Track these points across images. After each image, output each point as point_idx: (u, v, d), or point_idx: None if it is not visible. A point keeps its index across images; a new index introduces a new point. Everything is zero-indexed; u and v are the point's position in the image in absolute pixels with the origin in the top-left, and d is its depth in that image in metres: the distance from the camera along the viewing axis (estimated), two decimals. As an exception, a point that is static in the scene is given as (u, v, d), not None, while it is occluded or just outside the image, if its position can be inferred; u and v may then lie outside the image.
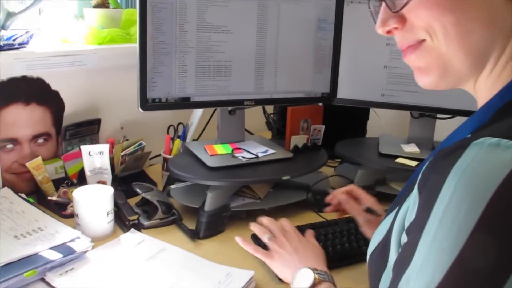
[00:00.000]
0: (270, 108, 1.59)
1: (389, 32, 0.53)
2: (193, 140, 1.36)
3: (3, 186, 1.12)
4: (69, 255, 0.88)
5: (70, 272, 0.87)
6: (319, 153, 1.25)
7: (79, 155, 1.15)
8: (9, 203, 1.06)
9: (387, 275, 0.53)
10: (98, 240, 0.98)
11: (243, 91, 1.14)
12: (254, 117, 1.53)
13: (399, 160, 1.19)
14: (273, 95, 1.18)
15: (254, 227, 0.91)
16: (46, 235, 0.93)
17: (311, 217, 1.13)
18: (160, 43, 1.01)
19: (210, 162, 1.11)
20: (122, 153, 1.24)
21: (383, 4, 0.52)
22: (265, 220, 0.92)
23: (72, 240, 0.92)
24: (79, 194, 1.01)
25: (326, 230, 1.01)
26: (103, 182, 1.14)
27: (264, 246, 0.88)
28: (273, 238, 0.87)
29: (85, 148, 1.13)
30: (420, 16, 0.49)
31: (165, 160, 1.30)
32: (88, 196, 1.01)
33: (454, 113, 1.22)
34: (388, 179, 1.25)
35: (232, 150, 1.16)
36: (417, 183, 0.47)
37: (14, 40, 1.08)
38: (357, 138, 1.47)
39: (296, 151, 1.22)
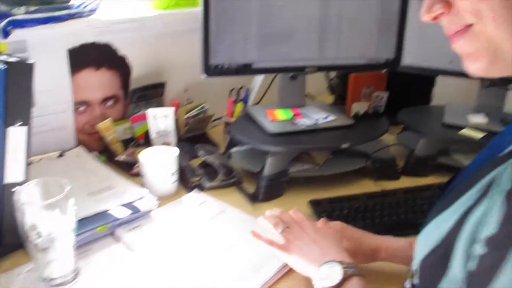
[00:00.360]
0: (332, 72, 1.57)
1: (435, 18, 0.50)
2: (255, 104, 1.38)
3: (77, 145, 1.20)
4: (136, 213, 0.94)
5: (137, 228, 0.93)
6: (380, 120, 1.23)
7: (145, 117, 1.21)
8: (83, 161, 1.14)
9: (449, 283, 0.50)
10: (162, 199, 1.03)
11: (305, 57, 1.14)
12: (316, 81, 1.52)
13: (464, 131, 1.14)
14: (335, 62, 1.17)
15: (264, 220, 0.83)
16: (116, 194, 1.00)
17: (369, 186, 1.13)
18: (223, 10, 1.02)
19: (271, 127, 1.12)
20: (185, 116, 1.28)
21: None
22: (276, 211, 0.84)
23: (138, 199, 0.98)
24: (144, 156, 1.06)
25: (382, 200, 1.01)
26: (168, 144, 1.19)
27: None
28: (287, 229, 0.78)
29: (150, 111, 1.18)
30: (466, 1, 0.47)
31: (227, 123, 1.33)
32: (153, 157, 1.06)
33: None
34: (452, 150, 1.21)
35: (293, 116, 1.17)
36: (506, 191, 0.44)
37: (84, 7, 1.12)
38: (421, 105, 1.42)
39: (356, 118, 1.21)
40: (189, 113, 1.29)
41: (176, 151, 1.08)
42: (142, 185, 1.06)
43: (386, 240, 0.81)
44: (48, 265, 0.76)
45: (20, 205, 0.72)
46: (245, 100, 1.33)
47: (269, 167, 1.07)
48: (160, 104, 1.33)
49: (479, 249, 0.46)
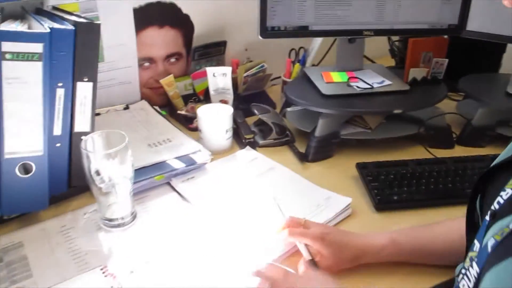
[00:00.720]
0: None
1: None
2: (313, 65, 1.39)
3: (141, 99, 1.28)
4: (190, 165, 1.01)
5: (191, 180, 1.00)
6: (439, 87, 1.20)
7: (205, 74, 1.26)
8: (146, 114, 1.22)
9: None
10: (216, 154, 1.09)
11: (362, 21, 1.13)
12: (378, 43, 1.50)
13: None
14: (394, 26, 1.14)
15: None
16: (173, 146, 1.07)
17: (420, 153, 1.13)
18: (281, -28, 1.03)
19: (325, 89, 1.14)
20: (244, 74, 1.32)
21: None
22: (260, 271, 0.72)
23: (194, 152, 1.04)
24: (202, 112, 1.12)
25: (431, 167, 1.01)
26: (225, 101, 1.24)
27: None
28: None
29: (210, 70, 1.23)
30: None
31: (285, 82, 1.36)
32: (210, 114, 1.11)
33: None
34: (513, 120, 1.17)
35: (348, 79, 1.18)
36: None
37: (150, -33, 1.17)
38: (487, 73, 1.37)
39: (414, 83, 1.19)
40: (248, 72, 1.32)
41: (230, 109, 1.12)
42: (199, 139, 1.12)
43: (369, 242, 0.77)
44: (109, 207, 0.85)
45: (86, 152, 0.80)
46: (302, 61, 1.34)
47: (320, 128, 1.09)
48: (221, 62, 1.38)
49: None
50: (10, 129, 0.77)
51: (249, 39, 1.40)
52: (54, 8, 1.01)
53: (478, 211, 0.63)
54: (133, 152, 0.84)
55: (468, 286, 0.55)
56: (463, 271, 0.58)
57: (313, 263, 0.75)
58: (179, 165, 1.00)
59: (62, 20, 0.85)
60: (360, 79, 1.18)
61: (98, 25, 0.84)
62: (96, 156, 0.80)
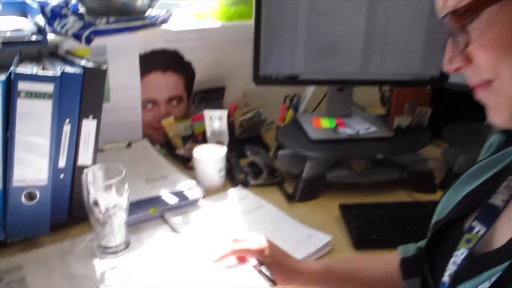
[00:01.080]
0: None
1: (456, 70, 0.52)
2: (306, 111, 1.48)
3: (143, 138, 1.37)
4: (183, 201, 1.08)
5: (184, 214, 1.06)
6: (422, 135, 1.28)
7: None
8: (146, 152, 1.30)
9: None
10: (210, 191, 1.16)
11: (349, 71, 1.22)
12: (371, 93, 1.59)
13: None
14: (379, 77, 1.24)
15: None
16: (169, 182, 1.14)
17: (403, 197, 1.18)
18: (273, 27, 1.13)
19: (313, 134, 1.22)
20: (241, 118, 1.41)
21: (450, 41, 0.51)
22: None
23: (188, 189, 1.12)
24: (198, 152, 1.20)
25: (411, 210, 1.07)
26: (221, 143, 1.32)
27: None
28: None
29: (207, 113, 1.32)
30: (485, 58, 0.48)
31: (278, 127, 1.45)
32: (204, 154, 1.19)
33: None
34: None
35: (336, 125, 1.26)
36: None
37: (156, 19, 1.28)
38: (474, 121, 1.44)
39: (398, 131, 1.27)
40: (244, 116, 1.41)
41: (224, 150, 1.20)
42: (194, 177, 1.20)
43: (303, 265, 0.82)
44: (105, 236, 0.92)
45: (86, 183, 0.87)
46: (295, 108, 1.43)
47: (308, 170, 1.16)
48: (219, 106, 1.47)
49: None
50: (19, 159, 0.86)
51: (247, 85, 1.49)
52: (67, 52, 1.12)
53: (429, 274, 0.67)
54: (131, 186, 0.92)
55: None
56: None
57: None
58: (173, 200, 1.07)
59: (73, 63, 0.95)
60: (348, 125, 1.26)
61: (104, 71, 0.94)
62: (96, 187, 0.88)
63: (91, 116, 0.93)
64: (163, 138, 1.39)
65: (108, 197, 0.88)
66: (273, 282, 0.77)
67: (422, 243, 0.76)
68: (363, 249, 0.98)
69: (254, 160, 1.25)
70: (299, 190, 1.16)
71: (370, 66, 1.22)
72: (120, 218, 0.91)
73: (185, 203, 1.08)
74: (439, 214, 0.69)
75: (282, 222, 1.06)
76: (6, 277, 0.85)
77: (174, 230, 1.02)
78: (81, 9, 1.26)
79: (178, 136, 1.37)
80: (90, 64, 0.93)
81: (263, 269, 0.80)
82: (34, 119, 0.85)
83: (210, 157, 1.18)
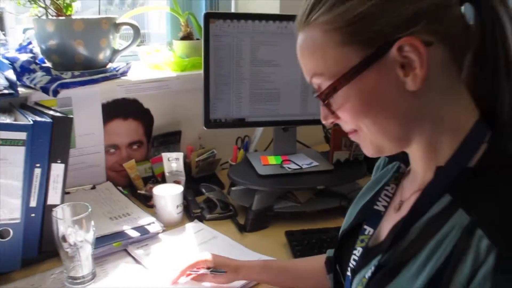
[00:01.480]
0: (329, 125, 1.80)
1: (331, 123, 0.67)
2: (255, 151, 1.63)
3: (107, 180, 1.48)
4: (144, 235, 1.19)
5: (145, 247, 1.17)
6: (359, 167, 1.45)
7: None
8: (109, 193, 1.41)
9: None
10: (169, 226, 1.27)
11: (290, 113, 1.39)
12: (315, 131, 1.76)
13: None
14: (316, 117, 1.40)
15: None
16: (131, 219, 1.25)
17: (342, 222, 1.33)
18: (220, 76, 1.29)
19: (260, 170, 1.36)
20: (196, 159, 1.54)
21: (321, 104, 0.66)
22: None
23: (148, 224, 1.23)
24: (157, 190, 1.32)
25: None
26: (178, 182, 1.44)
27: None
28: None
29: (165, 155, 1.45)
30: (348, 119, 0.63)
31: (231, 166, 1.58)
32: (163, 192, 1.31)
33: None
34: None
35: (282, 161, 1.41)
36: (489, 272, 0.50)
37: (117, 71, 1.42)
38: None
39: (338, 164, 1.44)
40: (200, 157, 1.55)
41: (181, 188, 1.33)
42: (154, 214, 1.31)
43: (246, 262, 1.03)
44: (73, 268, 1.01)
45: (56, 219, 0.98)
46: (245, 148, 1.58)
47: (256, 203, 1.30)
48: (177, 149, 1.60)
49: None
50: (-6, 200, 0.96)
51: (201, 129, 1.63)
52: (36, 103, 1.24)
53: (340, 272, 0.83)
54: (96, 223, 1.03)
55: None
56: None
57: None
58: (134, 234, 1.18)
59: (42, 113, 1.07)
60: (292, 161, 1.42)
61: (71, 119, 1.06)
62: (64, 222, 0.98)
63: (59, 160, 1.05)
64: (125, 180, 1.50)
65: (75, 232, 0.99)
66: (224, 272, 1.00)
67: None
68: (306, 269, 1.11)
69: (209, 196, 1.38)
70: (250, 221, 1.29)
71: (308, 107, 1.39)
72: (87, 251, 1.02)
73: (146, 237, 1.19)
74: (344, 224, 0.84)
75: (234, 249, 1.18)
76: (-19, 310, 0.93)
77: (136, 261, 1.12)
78: (48, 64, 1.39)
79: (139, 178, 1.48)
80: (58, 114, 1.06)
81: (213, 271, 1.00)
82: (8, 164, 0.96)
83: (168, 194, 1.30)
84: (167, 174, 1.45)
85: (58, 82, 1.25)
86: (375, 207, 0.74)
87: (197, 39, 1.67)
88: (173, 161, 1.44)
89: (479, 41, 0.59)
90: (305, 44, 0.65)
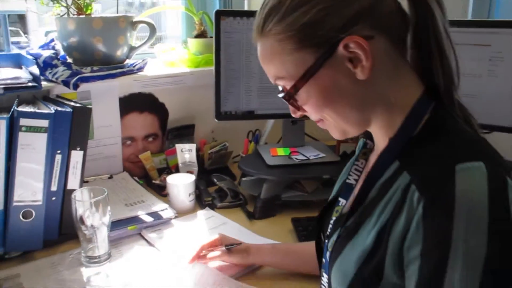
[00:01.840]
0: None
1: (301, 115, 0.75)
2: (265, 143, 1.69)
3: (123, 171, 1.55)
4: (158, 220, 1.26)
5: (158, 231, 1.24)
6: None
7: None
8: (126, 182, 1.48)
9: None
10: (181, 213, 1.34)
11: (297, 106, 1.44)
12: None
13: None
14: (323, 110, 1.46)
15: None
16: (146, 206, 1.32)
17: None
18: (230, 70, 1.36)
19: (269, 160, 1.42)
20: (209, 151, 1.61)
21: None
22: None
23: (162, 210, 1.30)
24: (170, 179, 1.39)
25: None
26: (191, 172, 1.51)
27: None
28: None
29: (178, 146, 1.52)
30: (313, 111, 0.72)
31: (242, 157, 1.64)
32: (176, 181, 1.38)
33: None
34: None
35: (290, 153, 1.47)
36: (419, 215, 0.59)
37: (134, 66, 1.50)
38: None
39: (344, 156, 1.49)
40: (212, 149, 1.61)
41: (193, 177, 1.39)
42: (168, 202, 1.38)
43: (255, 245, 1.09)
44: (90, 249, 1.09)
45: (75, 201, 1.05)
46: (256, 141, 1.64)
47: (265, 191, 1.36)
48: (190, 142, 1.66)
49: (412, 262, 0.60)
50: (19, 183, 1.04)
51: (214, 122, 1.70)
52: (58, 96, 1.32)
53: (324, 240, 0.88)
54: (112, 209, 1.10)
55: None
56: (321, 284, 0.83)
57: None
58: (148, 219, 1.25)
59: (63, 104, 1.15)
60: (300, 153, 1.47)
61: (90, 109, 1.14)
62: (83, 204, 1.06)
63: (78, 148, 1.12)
64: (141, 171, 1.57)
65: (93, 215, 1.06)
66: (238, 244, 1.07)
67: None
68: (310, 253, 1.17)
69: (220, 185, 1.44)
70: (258, 209, 1.35)
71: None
72: (103, 234, 1.09)
73: (159, 222, 1.26)
74: (330, 197, 0.92)
75: (242, 234, 1.23)
76: (6, 283, 1.01)
77: (150, 244, 1.19)
78: (69, 60, 1.47)
79: (154, 169, 1.56)
80: (78, 105, 1.13)
81: (227, 247, 1.06)
82: (32, 149, 1.04)
83: (181, 183, 1.37)
84: (180, 164, 1.52)
85: (78, 76, 1.33)
86: (347, 180, 0.82)
87: (211, 37, 1.73)
88: (186, 152, 1.51)
89: (414, 26, 0.68)
90: (264, 53, 0.73)
